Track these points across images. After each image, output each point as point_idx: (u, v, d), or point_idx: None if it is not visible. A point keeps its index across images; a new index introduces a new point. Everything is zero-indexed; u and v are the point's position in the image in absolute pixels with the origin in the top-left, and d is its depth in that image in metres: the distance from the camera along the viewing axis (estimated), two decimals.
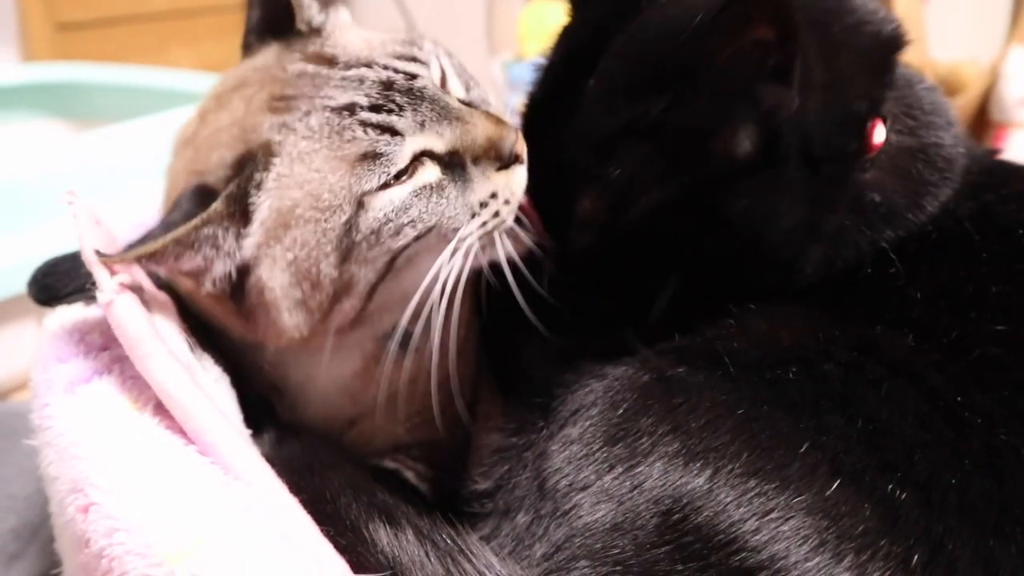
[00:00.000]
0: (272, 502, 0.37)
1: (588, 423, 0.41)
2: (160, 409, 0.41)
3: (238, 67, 0.53)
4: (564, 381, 0.45)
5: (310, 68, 0.48)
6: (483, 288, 0.54)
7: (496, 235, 0.48)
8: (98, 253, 0.42)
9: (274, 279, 0.46)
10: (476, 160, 0.48)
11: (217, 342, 0.51)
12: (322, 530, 0.39)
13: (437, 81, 0.50)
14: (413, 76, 0.48)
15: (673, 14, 0.46)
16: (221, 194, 0.44)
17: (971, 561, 0.35)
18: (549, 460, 0.41)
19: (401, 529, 0.40)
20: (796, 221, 0.44)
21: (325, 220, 0.45)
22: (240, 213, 0.45)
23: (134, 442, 0.39)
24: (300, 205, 0.45)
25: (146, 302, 0.44)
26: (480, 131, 0.48)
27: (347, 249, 0.45)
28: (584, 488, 0.39)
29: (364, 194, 0.45)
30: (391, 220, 0.45)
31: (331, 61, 0.49)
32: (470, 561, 0.38)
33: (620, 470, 0.39)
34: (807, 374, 0.40)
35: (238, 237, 0.45)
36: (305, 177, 0.45)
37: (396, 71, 0.48)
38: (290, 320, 0.46)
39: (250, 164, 0.46)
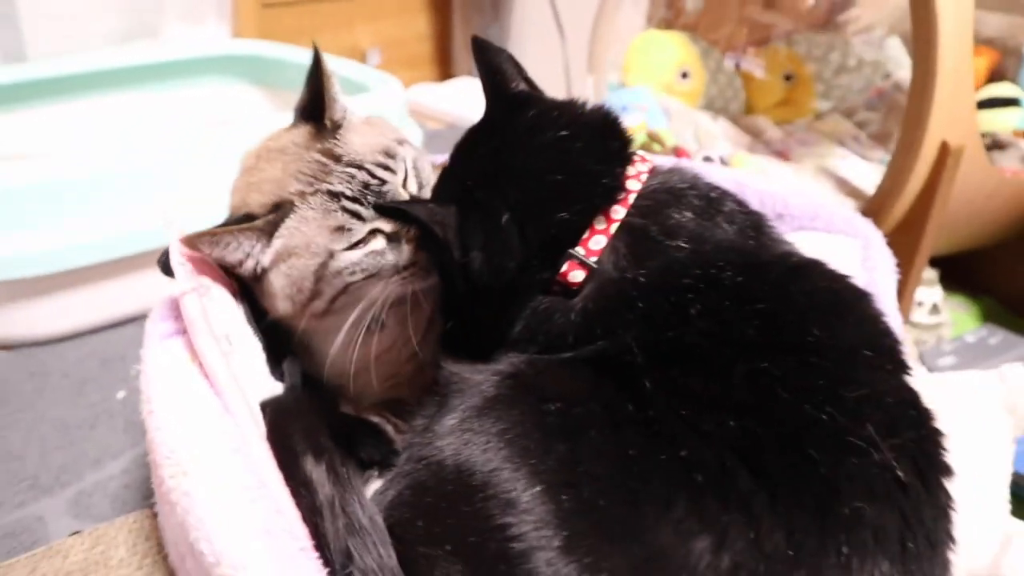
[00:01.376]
0: (244, 431, 0.64)
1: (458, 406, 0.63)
2: (201, 364, 0.68)
3: (285, 133, 0.80)
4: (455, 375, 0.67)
5: (323, 159, 0.74)
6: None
7: (411, 284, 0.74)
8: (187, 240, 0.71)
9: (277, 282, 0.74)
10: (409, 240, 0.72)
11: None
12: (274, 452, 0.64)
13: (401, 181, 0.74)
14: (384, 182, 0.74)
15: None
16: (260, 219, 0.72)
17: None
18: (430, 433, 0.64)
19: (319, 460, 0.64)
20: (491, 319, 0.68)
21: (310, 259, 0.72)
22: (268, 235, 0.73)
23: (182, 380, 0.67)
24: (299, 246, 0.72)
25: (207, 293, 0.72)
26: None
27: (320, 276, 0.72)
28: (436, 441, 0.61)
29: (334, 251, 0.71)
30: (347, 267, 0.72)
31: (336, 158, 0.74)
32: (353, 490, 0.62)
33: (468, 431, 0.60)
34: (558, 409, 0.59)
35: (263, 249, 0.73)
36: (304, 231, 0.72)
37: (373, 176, 0.73)
38: (282, 305, 0.75)
39: (280, 210, 0.73)
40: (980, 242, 1.40)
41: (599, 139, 0.72)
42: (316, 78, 0.79)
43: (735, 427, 0.54)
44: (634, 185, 0.70)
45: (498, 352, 0.68)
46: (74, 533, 0.87)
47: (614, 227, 0.68)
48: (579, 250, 0.67)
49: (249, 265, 0.74)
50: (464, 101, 2.39)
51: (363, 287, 0.74)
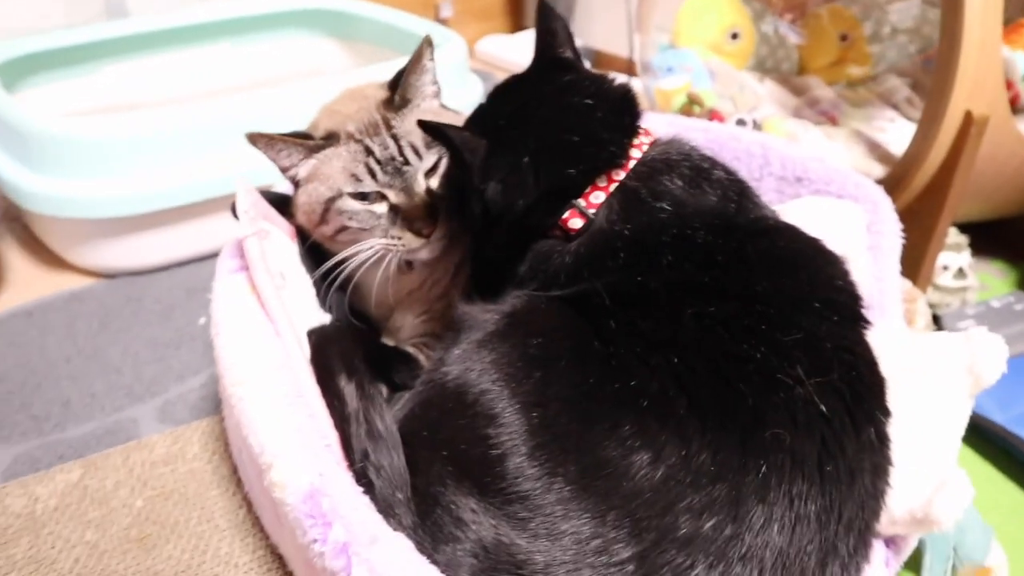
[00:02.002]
0: (289, 352, 0.77)
1: (464, 339, 0.75)
2: (258, 296, 0.82)
3: (377, 88, 0.94)
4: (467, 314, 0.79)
5: (379, 122, 0.87)
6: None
7: (391, 253, 0.87)
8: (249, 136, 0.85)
9: (301, 197, 0.89)
10: (406, 217, 0.85)
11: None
12: (314, 370, 0.78)
13: (424, 169, 0.87)
14: (407, 162, 0.86)
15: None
16: (313, 141, 0.87)
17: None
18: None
19: (351, 379, 0.77)
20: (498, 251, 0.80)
21: (325, 189, 0.86)
22: (311, 153, 0.87)
23: (241, 306, 0.81)
24: (323, 174, 0.87)
25: (266, 236, 0.86)
26: (413, 211, 0.85)
27: (327, 207, 0.86)
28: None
29: (343, 192, 0.85)
30: (347, 212, 0.86)
31: (388, 126, 0.87)
32: (375, 405, 0.76)
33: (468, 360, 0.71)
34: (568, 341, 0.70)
35: (303, 163, 0.87)
36: (333, 164, 0.86)
37: (402, 154, 0.86)
38: (301, 218, 0.90)
39: (329, 139, 0.86)
40: (1014, 209, 1.42)
41: (616, 112, 0.82)
42: (409, 63, 0.91)
43: (678, 362, 0.64)
44: (635, 154, 0.80)
45: (507, 290, 0.79)
46: None
47: (613, 187, 0.78)
48: (581, 202, 0.78)
49: (291, 173, 0.89)
50: (530, 53, 2.46)
51: (358, 234, 0.87)
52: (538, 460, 0.62)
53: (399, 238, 0.86)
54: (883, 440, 0.67)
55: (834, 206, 1.06)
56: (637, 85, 1.71)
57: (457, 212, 0.87)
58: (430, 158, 0.88)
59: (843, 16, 1.77)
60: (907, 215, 1.28)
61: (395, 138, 0.86)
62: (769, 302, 0.69)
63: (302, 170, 0.88)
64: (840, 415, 0.64)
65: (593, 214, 0.77)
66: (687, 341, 0.66)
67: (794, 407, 0.63)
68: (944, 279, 1.34)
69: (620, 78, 0.87)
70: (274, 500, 0.66)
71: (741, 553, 0.59)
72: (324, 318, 0.91)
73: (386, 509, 0.66)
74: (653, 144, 0.82)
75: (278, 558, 0.84)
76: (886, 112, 1.60)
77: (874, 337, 0.83)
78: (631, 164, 0.79)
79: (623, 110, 0.83)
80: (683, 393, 0.63)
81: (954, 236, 1.35)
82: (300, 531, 0.62)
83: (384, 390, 0.91)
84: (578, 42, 2.34)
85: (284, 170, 0.88)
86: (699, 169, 0.81)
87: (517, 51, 2.58)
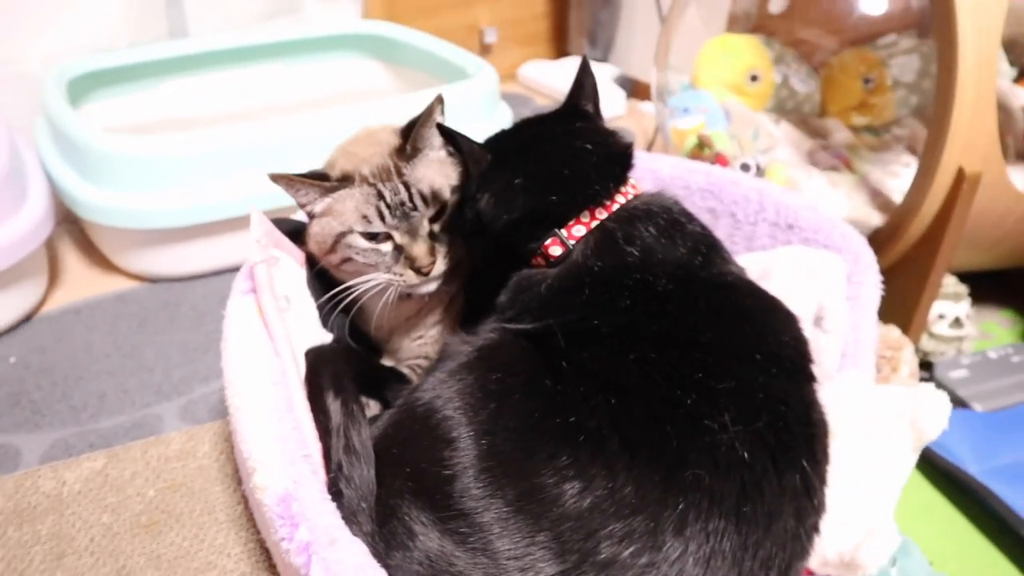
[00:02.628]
0: (285, 369, 0.87)
1: (440, 368, 0.83)
2: (264, 317, 0.92)
3: (390, 133, 1.01)
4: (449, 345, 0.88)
5: (392, 166, 0.95)
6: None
7: (393, 286, 0.96)
8: (272, 176, 0.94)
9: (315, 228, 0.97)
10: (408, 256, 0.94)
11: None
12: (307, 386, 0.87)
13: (429, 216, 0.96)
14: (415, 208, 0.94)
15: None
16: (329, 182, 0.94)
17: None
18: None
19: (337, 396, 0.86)
20: (487, 264, 0.91)
21: (337, 225, 0.94)
22: (326, 194, 0.95)
23: (248, 325, 0.90)
24: (336, 211, 0.95)
25: (275, 263, 0.95)
26: (415, 251, 0.94)
27: (337, 241, 0.94)
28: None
29: (353, 230, 0.93)
30: (354, 248, 0.94)
31: (400, 173, 0.95)
32: (356, 422, 0.84)
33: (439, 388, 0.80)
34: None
35: (318, 201, 0.95)
36: (346, 204, 0.94)
37: (411, 201, 0.94)
38: (312, 246, 0.98)
39: (344, 181, 0.95)
40: (1017, 261, 1.44)
41: (610, 160, 0.91)
42: (421, 116, 0.99)
43: (615, 403, 0.71)
44: (620, 199, 0.88)
45: (488, 321, 0.88)
46: None
47: (594, 224, 0.87)
48: (563, 232, 0.87)
49: (307, 208, 0.97)
50: (571, 79, 2.54)
51: (362, 267, 0.96)
52: (482, 482, 0.70)
53: (400, 274, 0.95)
54: (808, 486, 0.73)
55: (817, 256, 1.11)
56: (655, 122, 1.77)
57: (458, 243, 0.98)
58: (435, 206, 0.96)
59: (867, 59, 1.80)
60: (902, 264, 1.33)
61: (406, 185, 0.95)
62: (709, 351, 0.75)
63: (318, 207, 0.96)
64: (762, 461, 0.70)
65: (572, 245, 0.86)
66: (627, 384, 0.73)
67: (716, 451, 0.69)
68: (940, 328, 1.37)
69: (627, 137, 0.97)
70: (255, 500, 0.75)
71: None
72: (325, 338, 1.00)
73: (350, 516, 0.74)
74: (638, 195, 0.91)
75: (265, 551, 0.93)
76: (903, 157, 1.63)
77: (829, 388, 0.89)
78: (614, 207, 0.87)
79: (617, 161, 0.92)
80: (616, 431, 0.70)
81: (953, 286, 1.38)
82: (273, 529, 0.71)
83: (375, 406, 1.00)
84: (616, 71, 2.44)
85: (301, 205, 0.97)
86: (675, 222, 0.88)
87: (559, 77, 2.65)
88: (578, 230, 0.86)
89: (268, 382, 0.84)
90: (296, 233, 1.05)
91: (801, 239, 1.19)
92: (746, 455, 0.69)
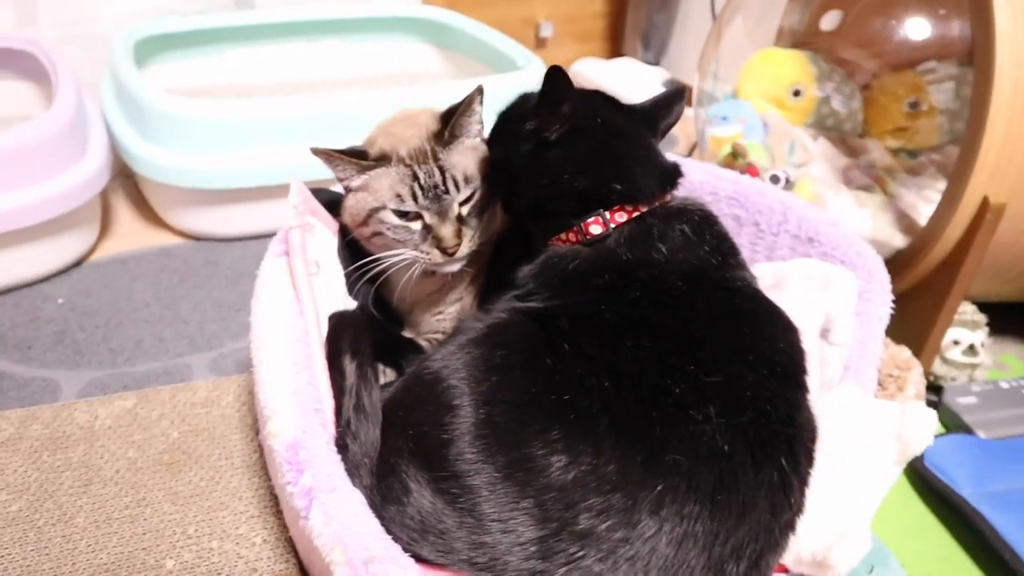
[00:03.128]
0: (308, 328, 0.92)
1: (452, 340, 0.88)
2: (294, 278, 0.98)
3: (430, 116, 1.06)
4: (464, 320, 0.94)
5: (429, 150, 1.00)
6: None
7: (418, 263, 1.00)
8: (313, 150, 0.99)
9: (350, 201, 1.01)
10: (435, 236, 0.98)
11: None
12: (326, 347, 0.93)
13: (460, 199, 1.00)
14: (447, 191, 0.99)
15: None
16: (367, 160, 0.99)
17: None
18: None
19: (353, 359, 0.92)
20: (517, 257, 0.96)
21: (371, 200, 0.99)
22: (364, 171, 0.99)
23: (278, 285, 0.96)
24: (372, 187, 0.99)
25: (311, 230, 1.01)
26: (443, 232, 0.98)
27: (369, 215, 0.99)
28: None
29: (386, 206, 0.98)
30: (386, 223, 0.99)
31: (436, 157, 1.00)
32: (368, 383, 0.90)
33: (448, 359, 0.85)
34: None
35: (356, 177, 1.00)
36: (381, 181, 0.99)
37: (443, 184, 0.99)
38: (346, 218, 1.03)
39: (382, 160, 0.99)
40: None
41: (665, 168, 0.97)
42: (461, 104, 1.03)
43: (608, 386, 0.76)
44: (662, 199, 0.94)
45: (505, 298, 0.94)
46: None
47: (634, 216, 0.91)
48: (606, 214, 0.91)
49: (345, 183, 1.02)
50: (623, 79, 2.57)
51: (391, 242, 1.00)
52: (476, 448, 0.75)
53: (427, 253, 1.00)
54: (785, 483, 0.76)
55: (831, 270, 1.13)
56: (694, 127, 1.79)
57: (484, 226, 1.03)
58: (466, 191, 1.01)
59: (913, 83, 1.80)
60: (920, 287, 1.34)
61: (441, 169, 0.99)
62: (703, 347, 0.79)
63: (355, 182, 1.01)
64: (741, 454, 0.74)
65: (612, 229, 0.90)
66: (621, 370, 0.77)
67: (697, 440, 0.73)
68: (953, 353, 1.38)
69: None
70: (268, 446, 0.81)
71: (629, 555, 0.70)
72: (350, 304, 1.06)
73: (352, 469, 0.80)
74: (674, 198, 0.96)
75: (274, 497, 0.99)
76: (938, 183, 1.64)
77: (826, 397, 0.92)
78: (655, 206, 0.93)
79: (671, 170, 0.98)
80: (606, 412, 0.75)
81: (971, 314, 1.39)
82: (280, 473, 0.77)
83: (390, 373, 1.05)
84: (667, 75, 2.47)
85: (339, 180, 1.03)
86: (705, 220, 0.93)
87: (610, 76, 2.67)
88: (620, 216, 0.91)
89: (291, 339, 0.90)
90: (333, 204, 1.11)
91: (820, 253, 1.21)
92: (726, 447, 0.73)
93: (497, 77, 1.81)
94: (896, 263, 1.35)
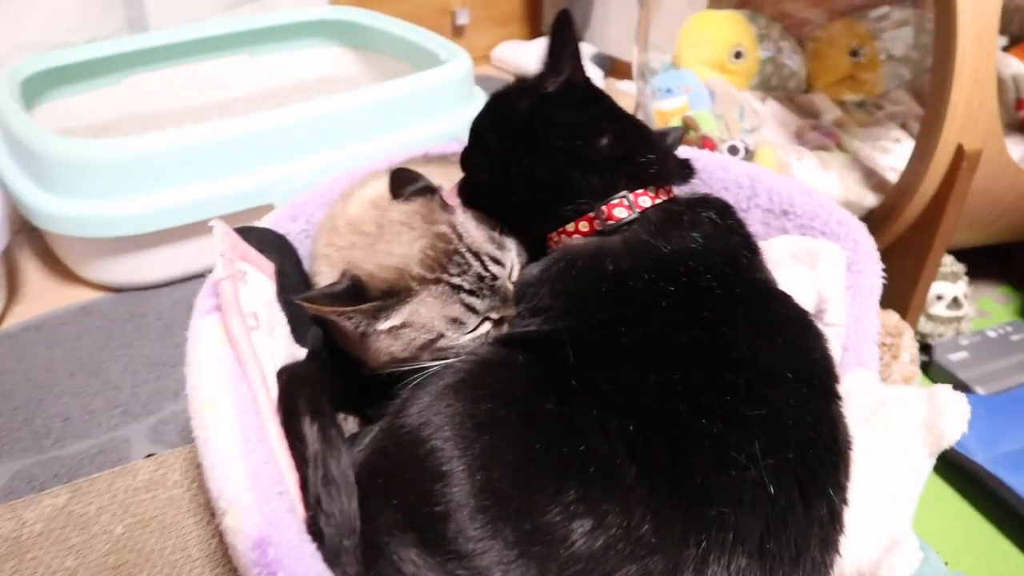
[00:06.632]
0: (255, 395, 0.80)
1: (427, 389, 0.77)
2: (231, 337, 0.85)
3: (404, 205, 0.87)
4: None
5: (449, 232, 0.84)
6: None
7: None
8: (307, 299, 0.81)
9: (380, 342, 0.83)
10: (499, 320, 0.85)
11: None
12: (280, 410, 0.81)
13: (508, 273, 0.86)
14: (496, 277, 0.84)
15: None
16: (371, 301, 0.79)
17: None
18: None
19: (314, 421, 0.80)
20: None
21: (421, 334, 0.82)
22: (375, 314, 0.81)
23: (213, 348, 0.84)
24: (415, 323, 0.82)
25: (242, 278, 0.88)
26: (509, 312, 0.84)
27: (424, 347, 0.83)
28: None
29: (445, 335, 0.83)
30: (454, 348, 0.83)
31: (460, 237, 0.84)
32: (334, 449, 0.78)
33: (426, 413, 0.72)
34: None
35: (370, 324, 0.81)
36: (422, 314, 0.82)
37: (487, 269, 0.83)
38: (376, 359, 0.85)
39: (395, 296, 0.81)
40: (1015, 236, 1.40)
41: (681, 159, 0.90)
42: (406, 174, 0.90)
43: (634, 430, 0.65)
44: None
45: None
46: (148, 455, 1.08)
47: (660, 200, 0.82)
48: (630, 195, 0.80)
49: (349, 329, 0.83)
50: None
51: (447, 352, 0.84)
52: (479, 522, 0.64)
53: (486, 334, 0.86)
54: (834, 514, 0.68)
55: (815, 245, 1.05)
56: (636, 102, 1.70)
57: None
58: (507, 256, 0.86)
59: (854, 30, 1.74)
60: (899, 246, 1.28)
61: (471, 251, 0.84)
62: (741, 371, 0.69)
63: (372, 328, 0.82)
64: (789, 492, 0.64)
65: (638, 214, 0.80)
66: (646, 409, 0.67)
67: (742, 486, 0.63)
68: (937, 309, 1.32)
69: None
70: (229, 543, 0.69)
71: None
72: (298, 354, 0.93)
73: (332, 558, 0.68)
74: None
75: None
76: (892, 132, 1.58)
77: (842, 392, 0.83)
78: (674, 192, 0.84)
79: (684, 159, 0.90)
80: (634, 461, 0.64)
81: (950, 265, 1.34)
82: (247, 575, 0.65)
83: (353, 422, 0.94)
84: (593, 50, 2.37)
85: (344, 327, 0.83)
86: (726, 210, 0.84)
87: (533, 57, 2.57)
88: (644, 200, 0.80)
89: (236, 411, 0.77)
90: (263, 243, 0.98)
91: (796, 226, 1.13)
92: (772, 488, 0.64)
93: (421, 75, 1.69)
94: (870, 223, 1.26)
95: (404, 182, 0.89)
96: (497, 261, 0.85)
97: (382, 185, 0.93)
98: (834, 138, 1.56)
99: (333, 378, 0.91)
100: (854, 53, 1.75)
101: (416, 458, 0.69)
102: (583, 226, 0.82)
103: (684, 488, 0.63)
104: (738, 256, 0.80)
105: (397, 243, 0.85)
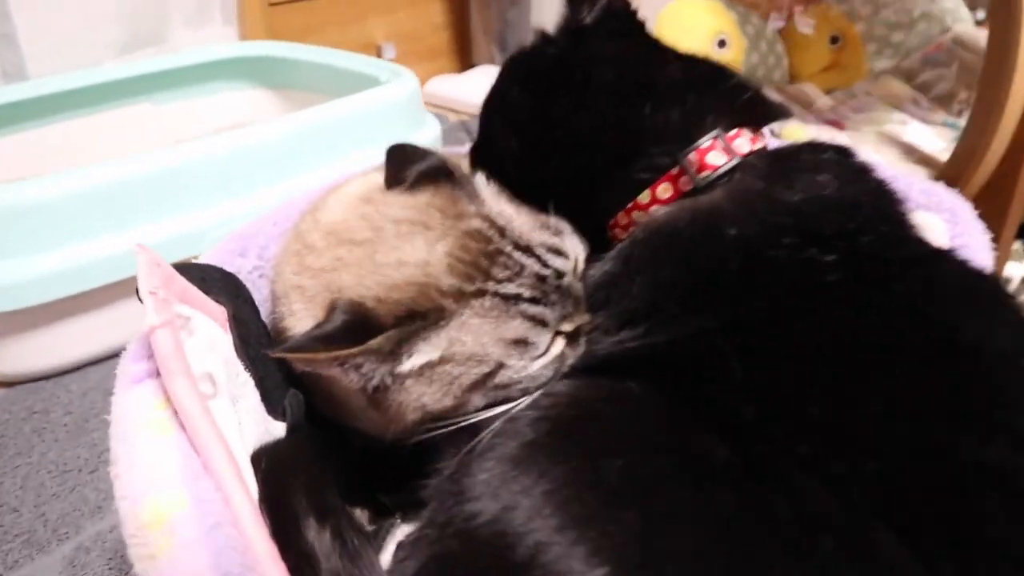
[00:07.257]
0: (227, 496, 0.52)
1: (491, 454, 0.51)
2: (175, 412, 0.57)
3: (410, 197, 0.62)
4: None
5: (485, 228, 0.59)
6: None
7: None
8: (290, 348, 0.55)
9: (406, 398, 0.57)
10: (572, 333, 0.59)
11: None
12: (268, 515, 0.53)
13: (573, 267, 0.60)
14: (561, 274, 0.58)
15: None
16: (385, 332, 0.53)
17: None
18: None
19: (324, 525, 0.53)
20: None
21: (470, 368, 0.56)
22: (394, 350, 0.55)
23: (152, 436, 0.56)
24: (457, 355, 0.56)
25: (185, 326, 0.61)
26: (581, 319, 0.59)
27: (476, 385, 0.57)
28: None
29: (506, 363, 0.56)
30: (520, 380, 0.57)
31: (501, 231, 0.59)
32: (364, 562, 0.51)
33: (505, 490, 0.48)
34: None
35: (389, 369, 0.55)
36: (466, 342, 0.56)
37: (546, 265, 0.58)
38: (399, 420, 0.59)
39: (420, 319, 0.55)
40: None
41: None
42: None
43: (871, 470, 0.41)
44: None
45: None
46: None
47: (759, 144, 0.59)
48: (724, 135, 0.58)
49: (354, 382, 0.56)
50: (485, 90, 2.27)
51: (510, 391, 0.58)
52: None
53: (559, 356, 0.60)
54: None
55: (917, 218, 0.86)
56: None
57: None
58: (568, 243, 0.61)
59: (831, 17, 1.61)
60: None
61: (526, 249, 0.59)
62: (978, 363, 0.46)
63: (392, 372, 0.56)
64: None
65: (739, 160, 0.57)
66: (879, 435, 0.43)
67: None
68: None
69: None
70: None
71: None
72: (274, 428, 0.66)
73: None
74: None
75: None
76: (893, 115, 1.43)
77: None
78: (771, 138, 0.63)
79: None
80: (883, 520, 0.40)
81: (1013, 244, 1.17)
82: None
83: (360, 514, 0.67)
84: None
85: (363, 381, 0.56)
86: (847, 152, 0.63)
87: (468, 90, 2.38)
88: (741, 143, 0.58)
89: (200, 528, 0.50)
90: (207, 283, 0.71)
91: None
92: None
93: (364, 95, 1.45)
94: None
95: (405, 160, 0.64)
96: (558, 251, 0.60)
97: (372, 179, 0.68)
98: (838, 124, 1.40)
99: (327, 456, 0.64)
100: (833, 40, 1.62)
101: (509, 564, 0.43)
102: (663, 191, 0.59)
103: (979, 551, 0.39)
104: (889, 206, 0.59)
105: (410, 249, 0.58)
